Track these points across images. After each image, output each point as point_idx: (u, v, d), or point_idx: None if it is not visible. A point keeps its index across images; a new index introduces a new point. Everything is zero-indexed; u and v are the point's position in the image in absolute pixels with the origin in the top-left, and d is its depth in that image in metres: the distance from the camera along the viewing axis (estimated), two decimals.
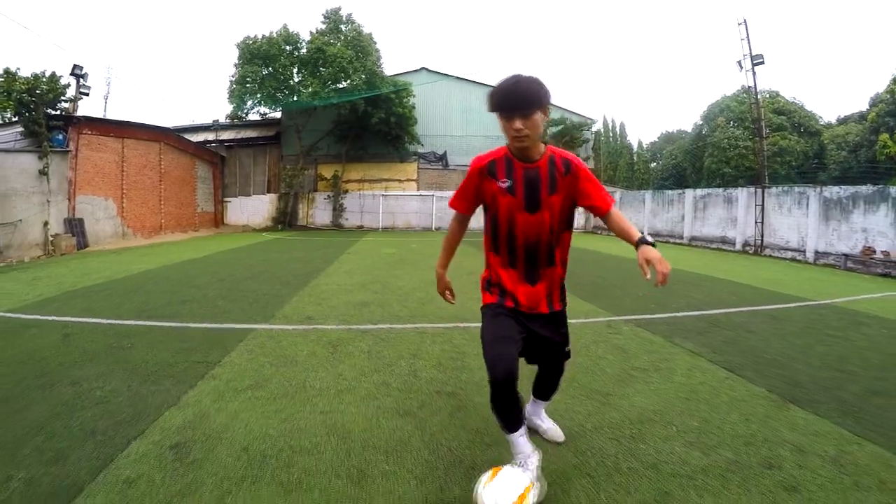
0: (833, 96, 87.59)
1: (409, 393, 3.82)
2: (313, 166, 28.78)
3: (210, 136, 28.70)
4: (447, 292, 2.86)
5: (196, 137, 27.57)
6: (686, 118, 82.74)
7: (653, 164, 53.40)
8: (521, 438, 2.39)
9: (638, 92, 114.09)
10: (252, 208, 29.24)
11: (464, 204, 2.62)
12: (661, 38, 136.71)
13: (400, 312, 6.73)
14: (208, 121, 30.16)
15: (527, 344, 2.52)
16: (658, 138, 57.69)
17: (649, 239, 2.23)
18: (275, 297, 7.76)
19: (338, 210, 28.71)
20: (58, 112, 19.51)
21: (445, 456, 2.88)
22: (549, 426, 3.05)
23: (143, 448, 2.93)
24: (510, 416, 2.37)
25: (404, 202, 29.39)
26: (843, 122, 43.51)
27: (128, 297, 7.82)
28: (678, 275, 10.61)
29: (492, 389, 2.29)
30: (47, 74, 19.00)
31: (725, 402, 3.64)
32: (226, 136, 29.46)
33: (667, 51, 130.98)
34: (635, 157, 43.14)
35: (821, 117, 40.15)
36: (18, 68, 20.56)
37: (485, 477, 2.23)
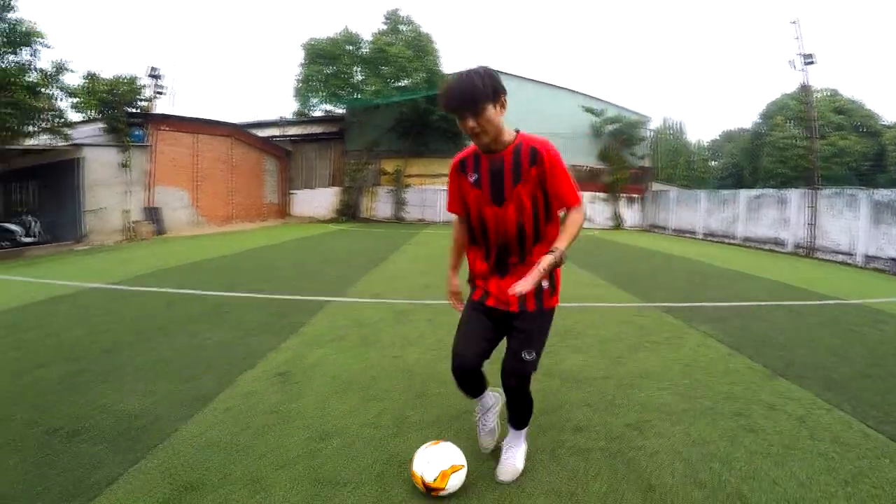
0: None
1: None
2: (376, 161, 30.07)
3: (276, 132, 30.40)
4: (454, 299, 2.86)
5: (263, 133, 29.32)
6: (748, 115, 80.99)
7: (713, 163, 52.57)
8: (482, 399, 2.79)
9: (699, 89, 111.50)
10: (316, 200, 30.81)
11: (455, 205, 2.66)
12: (724, 32, 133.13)
13: None
14: (274, 117, 31.86)
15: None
16: (719, 136, 56.57)
17: (556, 253, 2.17)
18: (345, 278, 8.90)
19: (399, 203, 29.88)
20: (136, 110, 21.42)
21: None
22: (503, 458, 2.75)
23: (256, 375, 4.03)
24: (469, 391, 2.69)
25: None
26: None
27: (214, 275, 9.11)
28: (718, 272, 11.21)
29: (453, 376, 2.57)
30: (127, 76, 21.01)
31: (719, 371, 4.43)
32: (292, 131, 31.14)
33: (729, 46, 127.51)
34: (694, 156, 42.71)
35: (881, 117, 38.69)
36: (101, 70, 22.74)
37: (430, 441, 2.65)
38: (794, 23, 18.60)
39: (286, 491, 2.44)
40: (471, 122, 2.23)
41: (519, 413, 2.71)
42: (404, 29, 27.29)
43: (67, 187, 18.91)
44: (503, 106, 2.30)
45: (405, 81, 26.20)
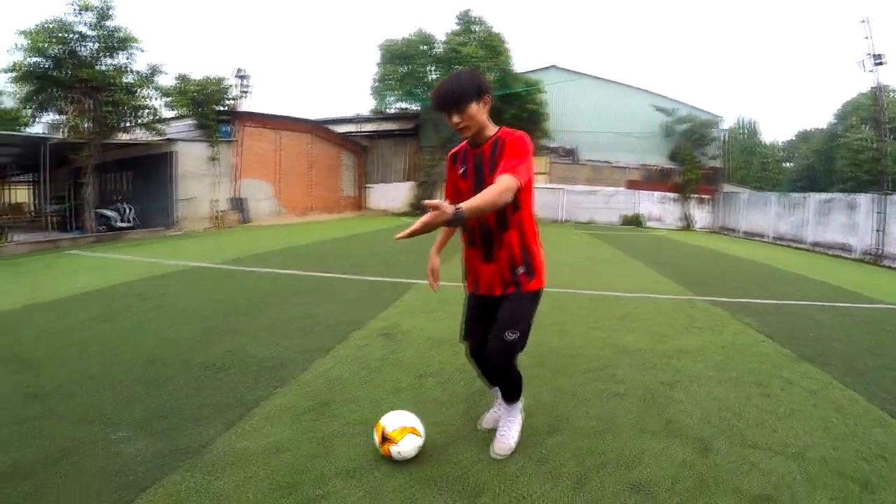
0: None
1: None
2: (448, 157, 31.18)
3: (353, 128, 32.02)
4: (431, 275, 3.11)
5: (340, 129, 31.00)
6: (824, 114, 77.24)
7: (787, 164, 51.21)
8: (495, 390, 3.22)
9: (775, 87, 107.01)
10: (391, 194, 32.36)
11: (449, 194, 2.93)
12: (801, 28, 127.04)
13: (554, 276, 8.68)
14: (351, 113, 33.46)
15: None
16: (794, 136, 54.77)
17: (449, 210, 2.02)
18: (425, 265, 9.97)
19: None
20: (224, 108, 23.42)
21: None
22: (498, 434, 3.04)
23: (364, 334, 5.17)
24: (488, 377, 3.07)
25: (535, 194, 30.58)
26: None
27: (306, 259, 10.45)
28: (778, 274, 11.68)
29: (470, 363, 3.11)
30: (215, 77, 23.12)
31: (751, 352, 5.19)
32: (367, 127, 32.70)
33: (807, 42, 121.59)
34: (768, 157, 41.81)
35: None
36: (191, 72, 24.84)
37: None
38: (863, 22, 18.44)
39: (400, 407, 3.48)
40: (455, 118, 2.49)
41: (507, 388, 2.96)
42: (476, 29, 28.28)
43: (160, 178, 20.98)
44: (486, 104, 2.55)
45: None
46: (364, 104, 74.76)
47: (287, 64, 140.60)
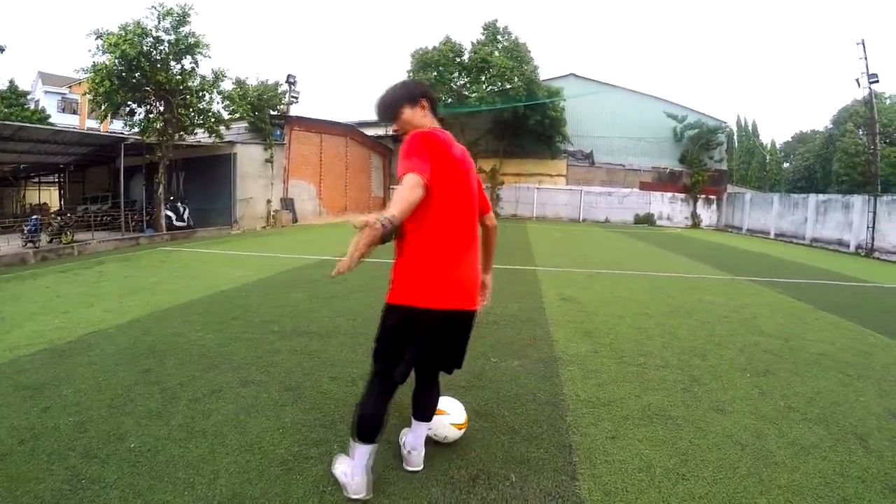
0: None
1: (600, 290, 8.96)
2: (474, 160, 34.19)
3: (380, 131, 34.94)
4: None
5: (368, 132, 33.91)
6: (820, 117, 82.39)
7: (785, 165, 55.18)
8: None
9: (772, 88, 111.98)
10: None
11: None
12: (798, 30, 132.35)
13: (614, 264, 11.88)
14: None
15: None
16: (791, 138, 58.73)
17: (386, 218, 2.06)
18: (519, 258, 13.09)
19: (494, 200, 34.09)
20: (276, 112, 26.03)
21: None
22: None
23: (549, 298, 8.20)
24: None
25: (555, 195, 34.78)
26: None
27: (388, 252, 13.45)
28: (788, 263, 15.09)
29: None
30: (271, 83, 25.76)
31: (787, 305, 8.35)
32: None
33: (803, 43, 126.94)
34: (767, 157, 45.60)
35: None
36: (247, 77, 27.48)
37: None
38: (859, 44, 22.01)
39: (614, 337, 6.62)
40: (394, 126, 2.74)
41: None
42: (502, 39, 31.52)
43: (220, 178, 23.17)
44: (424, 106, 2.68)
45: (508, 85, 30.37)
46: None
47: (318, 67, 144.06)
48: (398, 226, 2.12)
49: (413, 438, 2.94)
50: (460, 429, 3.19)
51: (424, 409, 2.92)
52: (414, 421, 2.93)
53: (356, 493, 2.61)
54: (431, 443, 3.11)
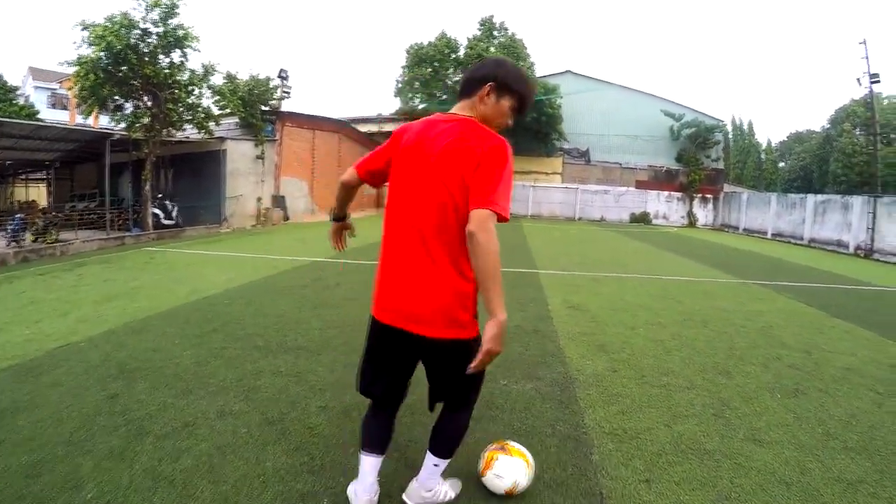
0: None
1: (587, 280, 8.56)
2: None
3: (374, 128, 34.41)
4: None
5: (362, 128, 33.38)
6: (816, 117, 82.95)
7: (781, 164, 55.08)
8: None
9: (767, 88, 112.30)
10: None
11: None
12: (795, 29, 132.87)
13: (617, 265, 11.47)
14: (372, 114, 35.84)
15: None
16: (787, 137, 58.68)
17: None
18: (518, 259, 12.67)
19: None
20: (268, 108, 25.37)
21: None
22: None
23: (555, 305, 7.78)
24: None
25: (551, 193, 34.33)
26: None
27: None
28: (791, 265, 14.72)
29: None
30: (263, 78, 25.11)
31: (801, 312, 8.01)
32: (388, 127, 35.03)
33: (800, 43, 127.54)
34: (763, 157, 45.43)
35: None
36: (237, 71, 26.85)
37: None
38: (861, 43, 21.71)
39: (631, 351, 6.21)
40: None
41: None
42: (498, 35, 31.06)
43: (208, 175, 22.57)
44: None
45: None
46: (386, 104, 78.19)
47: (311, 62, 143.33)
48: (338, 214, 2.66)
49: (422, 471, 2.55)
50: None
51: (432, 436, 2.52)
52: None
53: None
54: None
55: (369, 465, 2.43)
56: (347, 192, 2.74)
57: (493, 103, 2.24)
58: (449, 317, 2.15)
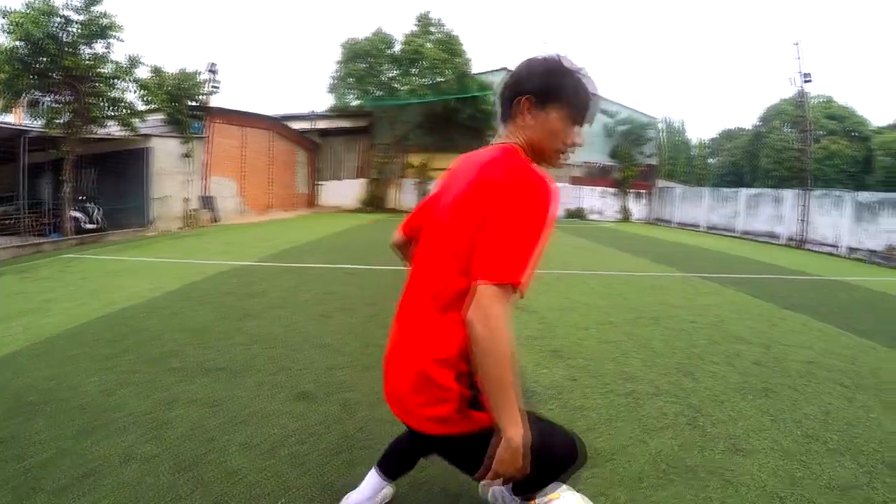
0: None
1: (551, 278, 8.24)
2: (403, 155, 33.47)
3: (306, 125, 33.36)
4: None
5: (293, 125, 32.30)
6: (746, 114, 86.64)
7: (711, 160, 56.88)
8: None
9: (699, 86, 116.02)
10: (343, 191, 34.08)
11: None
12: (725, 30, 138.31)
13: (560, 262, 11.16)
14: (305, 110, 34.71)
15: None
16: (718, 134, 60.57)
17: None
18: None
19: (424, 194, 33.15)
20: (196, 103, 24.12)
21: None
22: None
23: None
24: None
25: None
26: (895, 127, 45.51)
27: (313, 255, 11.98)
28: (730, 257, 14.86)
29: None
30: (191, 71, 23.84)
31: (751, 304, 7.88)
32: (321, 124, 34.11)
33: (729, 44, 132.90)
34: (694, 153, 46.67)
35: (871, 122, 42.98)
36: (163, 65, 25.41)
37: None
38: (795, 44, 22.46)
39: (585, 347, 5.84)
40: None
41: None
42: (435, 31, 30.57)
43: (132, 175, 21.13)
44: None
45: (439, 78, 29.58)
46: (319, 101, 75.87)
47: (242, 57, 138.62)
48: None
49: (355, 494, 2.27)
50: None
51: (384, 456, 2.29)
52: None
53: None
54: None
55: (373, 481, 2.22)
56: (402, 252, 2.15)
57: (540, 121, 1.63)
58: (424, 412, 1.58)
